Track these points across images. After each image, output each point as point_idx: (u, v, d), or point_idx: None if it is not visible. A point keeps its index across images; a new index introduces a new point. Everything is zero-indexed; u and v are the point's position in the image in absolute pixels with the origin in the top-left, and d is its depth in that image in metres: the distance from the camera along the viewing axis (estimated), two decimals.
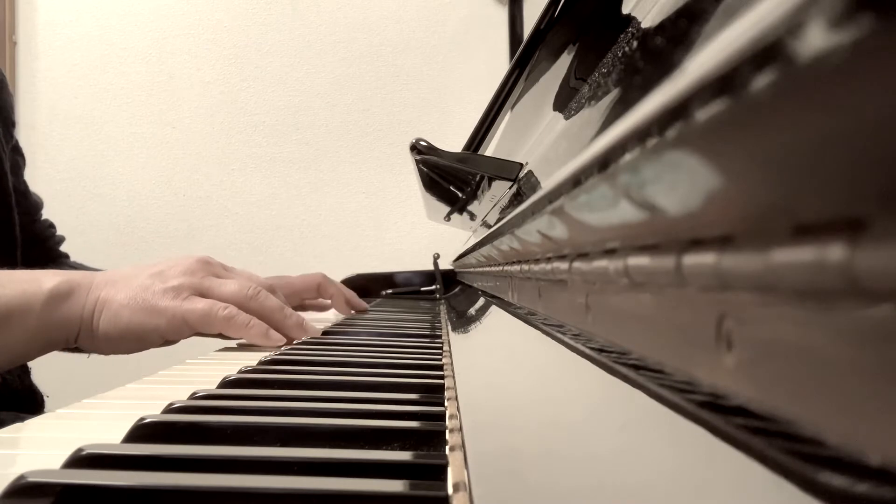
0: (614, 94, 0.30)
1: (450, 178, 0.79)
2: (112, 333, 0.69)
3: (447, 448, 0.32)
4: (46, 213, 1.13)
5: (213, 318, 0.69)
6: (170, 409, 0.39)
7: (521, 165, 0.58)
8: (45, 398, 1.00)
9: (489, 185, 0.69)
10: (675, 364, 0.18)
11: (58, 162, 1.97)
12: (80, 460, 0.29)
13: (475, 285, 1.00)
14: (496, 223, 0.53)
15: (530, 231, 0.35)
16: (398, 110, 1.98)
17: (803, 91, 0.09)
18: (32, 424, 0.41)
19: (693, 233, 0.16)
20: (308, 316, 1.00)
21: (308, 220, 1.98)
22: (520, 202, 0.40)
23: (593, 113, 0.33)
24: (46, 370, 1.07)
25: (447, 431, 0.34)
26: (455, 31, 1.97)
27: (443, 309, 1.17)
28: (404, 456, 0.31)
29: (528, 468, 0.24)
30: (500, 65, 1.78)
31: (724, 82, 0.11)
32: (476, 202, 0.81)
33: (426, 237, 1.89)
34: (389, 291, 1.51)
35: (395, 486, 0.26)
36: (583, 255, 0.26)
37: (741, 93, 0.10)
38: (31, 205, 1.06)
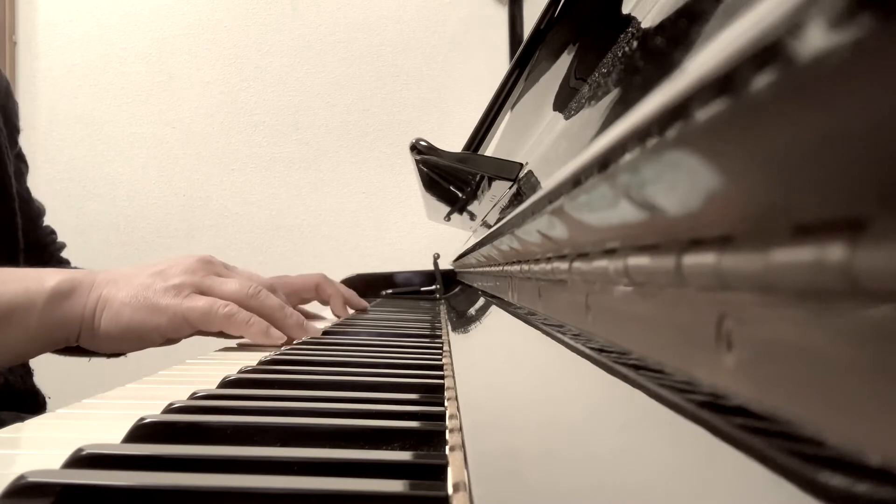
0: (614, 94, 0.30)
1: (450, 178, 0.79)
2: (113, 332, 0.69)
3: (447, 448, 0.32)
4: (47, 213, 1.13)
5: (214, 316, 0.69)
6: (170, 409, 0.39)
7: (521, 165, 0.58)
8: (46, 400, 1.00)
9: (489, 185, 0.69)
10: (675, 364, 0.18)
11: (58, 162, 1.97)
12: (80, 460, 0.29)
13: (475, 285, 1.00)
14: (496, 223, 0.53)
15: (530, 231, 0.35)
16: (398, 110, 1.98)
17: (803, 91, 0.09)
18: (32, 424, 0.41)
19: (693, 233, 0.16)
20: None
21: (308, 220, 1.98)
22: (520, 202, 0.40)
23: (593, 113, 0.33)
24: (47, 371, 1.07)
25: (447, 431, 0.34)
26: (455, 31, 1.97)
27: (443, 309, 1.17)
28: (404, 456, 0.31)
29: (528, 468, 0.24)
30: (500, 65, 1.78)
31: (724, 82, 0.11)
32: (476, 202, 0.81)
33: (426, 237, 1.89)
34: (389, 291, 1.51)
35: (395, 486, 0.26)
36: (583, 255, 0.26)
37: (741, 93, 0.10)
38: (33, 211, 1.07)
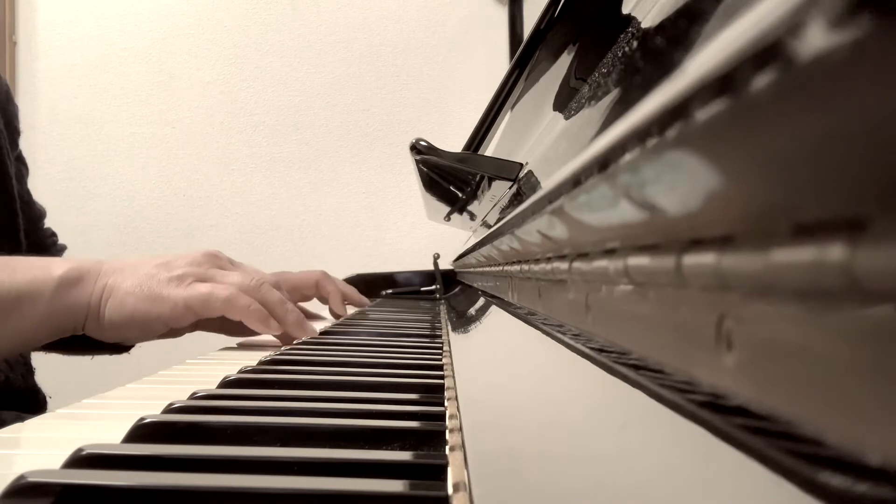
0: (614, 94, 0.30)
1: (450, 178, 0.79)
2: (117, 320, 0.70)
3: (447, 448, 0.32)
4: (47, 214, 1.13)
5: (215, 300, 0.70)
6: (170, 409, 0.39)
7: (521, 165, 0.58)
8: (47, 399, 1.00)
9: (489, 185, 0.69)
10: (675, 364, 0.18)
11: (58, 162, 1.97)
12: (80, 460, 0.29)
13: (475, 285, 1.00)
14: (496, 223, 0.53)
15: (530, 231, 0.35)
16: (398, 110, 1.99)
17: (803, 91, 0.09)
18: (32, 424, 0.41)
19: (693, 233, 0.16)
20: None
21: (308, 220, 1.98)
22: (520, 202, 0.40)
23: (593, 113, 0.33)
24: (48, 371, 1.07)
25: (447, 431, 0.34)
26: (455, 31, 1.97)
27: (443, 309, 1.17)
28: (404, 456, 0.31)
29: (528, 468, 0.24)
30: (500, 65, 1.78)
31: (724, 82, 0.11)
32: (476, 202, 0.81)
33: (426, 237, 1.89)
34: (389, 291, 1.51)
35: (395, 486, 0.26)
36: (583, 255, 0.26)
37: (741, 93, 0.10)
38: (34, 213, 1.07)
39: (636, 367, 0.22)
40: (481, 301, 0.82)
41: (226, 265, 0.76)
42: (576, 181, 0.22)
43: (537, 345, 0.38)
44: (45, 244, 1.09)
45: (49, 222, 1.13)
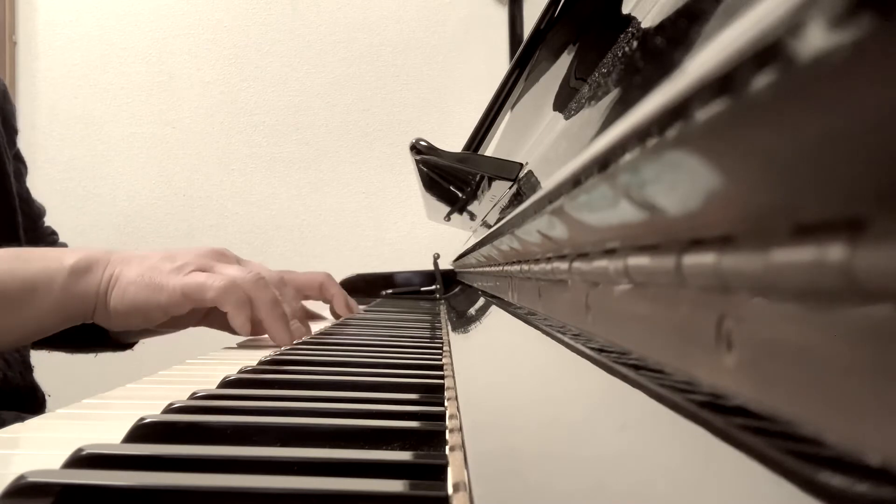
0: (614, 94, 0.30)
1: (450, 178, 0.79)
2: (120, 309, 0.72)
3: (447, 448, 0.32)
4: (47, 213, 1.13)
5: (208, 289, 0.71)
6: (170, 409, 0.39)
7: (521, 165, 0.58)
8: (46, 397, 1.00)
9: (489, 185, 0.69)
10: (675, 364, 0.18)
11: (58, 162, 1.97)
12: (80, 460, 0.29)
13: (475, 285, 1.00)
14: (496, 223, 0.53)
15: (530, 231, 0.35)
16: (398, 110, 1.99)
17: (803, 91, 0.09)
18: (32, 424, 0.41)
19: (693, 233, 0.16)
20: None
21: (308, 220, 1.98)
22: (520, 202, 0.40)
23: (593, 113, 0.33)
24: (47, 370, 1.07)
25: (447, 431, 0.34)
26: (455, 31, 1.97)
27: (443, 309, 1.17)
28: (404, 456, 0.31)
29: (528, 468, 0.24)
30: (500, 65, 1.78)
31: (724, 82, 0.11)
32: (476, 202, 0.81)
33: (426, 237, 1.89)
34: (389, 291, 1.51)
35: (395, 486, 0.26)
36: (583, 255, 0.26)
37: (741, 93, 0.10)
38: (33, 211, 1.07)
39: (636, 367, 0.22)
40: (481, 301, 0.82)
41: (232, 262, 0.78)
42: (576, 181, 0.22)
43: (537, 345, 0.38)
44: (45, 242, 1.09)
45: (49, 222, 1.13)
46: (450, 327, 0.81)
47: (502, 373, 0.42)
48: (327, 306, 1.14)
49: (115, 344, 1.00)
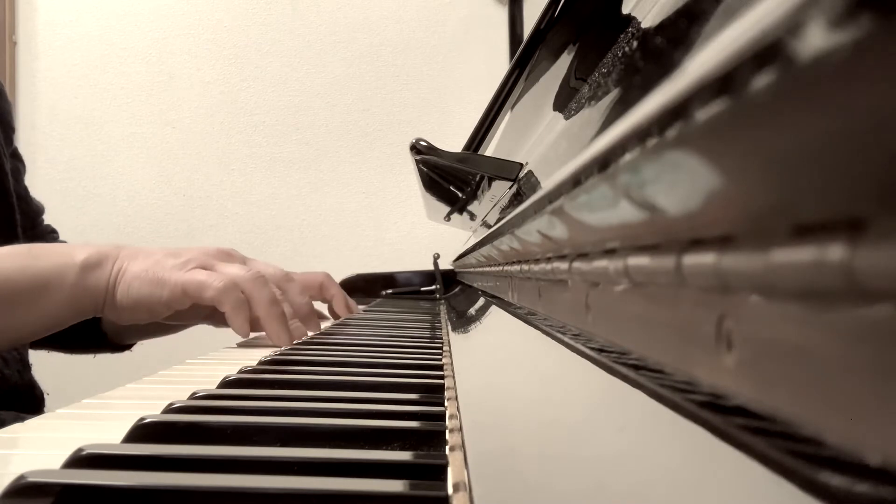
0: (614, 94, 0.30)
1: (450, 178, 0.79)
2: (125, 303, 0.73)
3: (447, 448, 0.32)
4: (47, 213, 1.13)
5: (207, 288, 0.72)
6: (170, 409, 0.39)
7: (521, 165, 0.58)
8: (45, 396, 1.00)
9: (489, 185, 0.69)
10: (675, 364, 0.18)
11: (58, 162, 1.97)
12: (80, 460, 0.29)
13: (475, 285, 1.00)
14: (496, 223, 0.53)
15: (530, 231, 0.35)
16: (398, 110, 1.98)
17: (803, 91, 0.09)
18: (32, 424, 0.41)
19: (693, 233, 0.16)
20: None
21: (308, 220, 1.98)
22: (520, 202, 0.40)
23: (593, 113, 0.33)
24: (46, 369, 1.07)
25: (447, 431, 0.34)
26: (455, 31, 1.97)
27: (443, 309, 1.17)
28: (404, 456, 0.31)
29: (528, 468, 0.24)
30: (500, 65, 1.78)
31: (724, 82, 0.11)
32: (476, 202, 0.81)
33: (426, 237, 1.89)
34: (389, 291, 1.51)
35: (395, 486, 0.26)
36: (583, 255, 0.26)
37: (741, 93, 0.10)
38: (31, 210, 1.07)
39: (636, 367, 0.22)
40: (481, 301, 0.82)
41: (237, 262, 0.78)
42: (576, 181, 0.22)
43: (537, 345, 0.38)
44: (45, 240, 1.09)
45: (48, 222, 1.13)
46: (450, 327, 0.81)
47: (502, 373, 0.42)
48: (325, 306, 1.14)
49: (112, 345, 1.00)
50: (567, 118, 0.47)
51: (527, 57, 0.63)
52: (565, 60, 0.59)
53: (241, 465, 0.29)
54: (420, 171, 0.76)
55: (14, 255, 0.71)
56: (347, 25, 1.99)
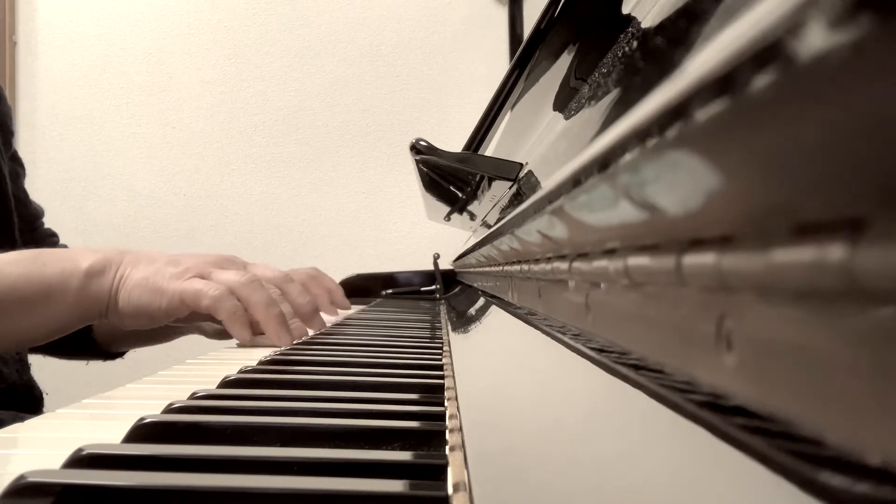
0: (614, 94, 0.30)
1: (450, 178, 0.79)
2: (127, 310, 0.73)
3: (447, 448, 0.32)
4: (47, 213, 1.13)
5: (203, 297, 0.72)
6: (170, 409, 0.39)
7: (521, 165, 0.58)
8: (44, 396, 1.00)
9: (489, 185, 0.69)
10: (675, 364, 0.18)
11: (58, 162, 1.97)
12: (80, 460, 0.29)
13: (475, 285, 1.00)
14: (496, 223, 0.53)
15: (530, 231, 0.35)
16: (398, 110, 1.98)
17: (803, 91, 0.09)
18: (32, 424, 0.41)
19: (693, 233, 0.16)
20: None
21: (308, 220, 1.98)
22: (520, 202, 0.40)
23: (593, 113, 0.33)
24: (46, 370, 1.07)
25: (447, 431, 0.34)
26: (455, 31, 1.97)
27: (443, 309, 1.17)
28: (404, 456, 0.31)
29: (528, 468, 0.24)
30: (500, 65, 1.78)
31: (724, 82, 0.11)
32: (476, 202, 0.81)
33: (426, 237, 1.89)
34: (389, 291, 1.51)
35: (395, 486, 0.26)
36: (583, 255, 0.26)
37: (741, 93, 0.10)
38: (30, 213, 1.07)
39: (636, 367, 0.22)
40: (481, 301, 0.82)
41: (236, 268, 0.78)
42: (576, 181, 0.22)
43: (537, 345, 0.38)
44: (45, 244, 1.09)
45: (48, 222, 1.13)
46: (450, 327, 0.81)
47: (502, 373, 0.42)
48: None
49: (104, 353, 1.00)
50: (567, 118, 0.47)
51: (527, 57, 0.63)
52: (565, 60, 0.59)
53: (241, 466, 0.29)
54: (420, 171, 0.76)
55: (20, 262, 0.71)
56: (347, 25, 1.99)
